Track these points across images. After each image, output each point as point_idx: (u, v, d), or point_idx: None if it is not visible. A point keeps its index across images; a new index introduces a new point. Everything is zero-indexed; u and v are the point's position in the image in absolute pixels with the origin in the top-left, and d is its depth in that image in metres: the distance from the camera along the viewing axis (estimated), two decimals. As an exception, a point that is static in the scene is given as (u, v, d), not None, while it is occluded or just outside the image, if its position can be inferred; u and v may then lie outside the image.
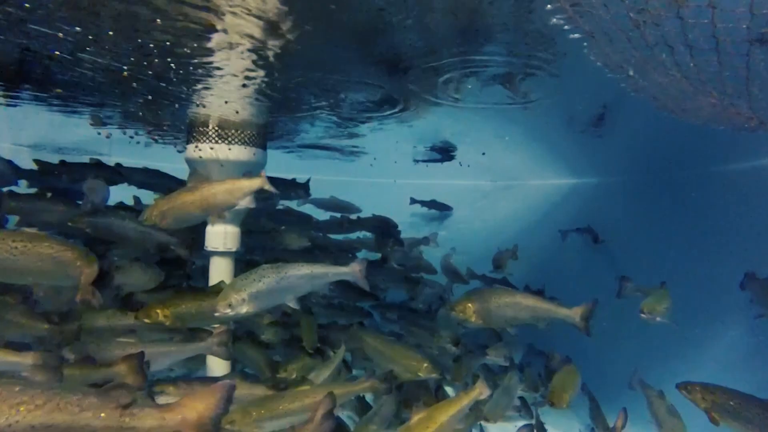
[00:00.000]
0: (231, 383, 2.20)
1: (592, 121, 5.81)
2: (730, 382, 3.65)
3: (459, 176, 9.78)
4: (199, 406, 2.08)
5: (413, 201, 9.77)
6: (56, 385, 1.91)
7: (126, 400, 1.90)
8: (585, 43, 2.98)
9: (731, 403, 3.31)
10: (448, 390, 5.60)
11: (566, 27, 2.88)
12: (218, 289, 3.96)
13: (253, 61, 3.76)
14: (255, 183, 4.08)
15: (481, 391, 3.65)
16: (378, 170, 9.40)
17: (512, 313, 4.28)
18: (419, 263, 7.23)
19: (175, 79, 4.27)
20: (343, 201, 8.33)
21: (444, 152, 8.18)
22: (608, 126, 5.88)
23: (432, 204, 9.95)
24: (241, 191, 4.07)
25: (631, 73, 3.16)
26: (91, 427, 1.82)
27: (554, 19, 2.85)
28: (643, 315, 4.38)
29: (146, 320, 3.75)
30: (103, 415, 1.85)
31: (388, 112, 5.52)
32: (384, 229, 6.95)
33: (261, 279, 3.46)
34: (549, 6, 2.77)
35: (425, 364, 4.40)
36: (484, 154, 8.17)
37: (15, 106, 5.77)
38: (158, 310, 3.75)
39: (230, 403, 2.20)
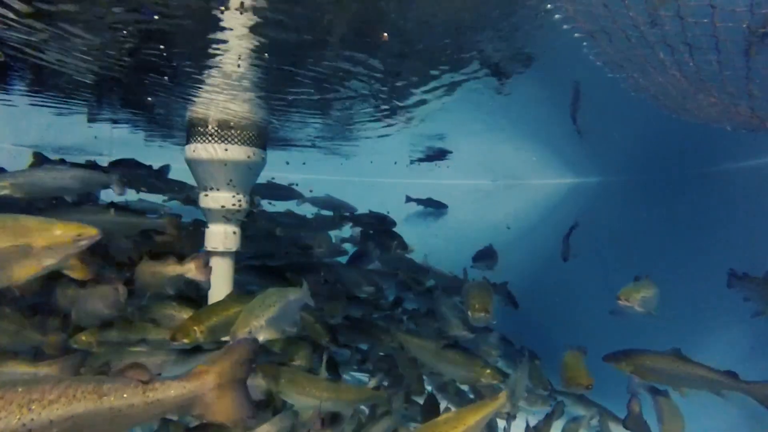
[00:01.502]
0: (251, 340, 2.12)
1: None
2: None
3: (460, 176, 9.79)
4: (218, 368, 2.02)
5: (409, 199, 9.82)
6: (65, 378, 1.81)
7: (144, 377, 1.84)
8: (585, 42, 2.97)
9: (647, 362, 3.84)
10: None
11: (565, 26, 2.87)
12: (234, 297, 3.92)
13: (251, 60, 3.75)
14: (183, 269, 3.89)
15: (503, 402, 3.56)
16: (378, 170, 9.40)
17: None
18: (412, 264, 7.13)
19: (173, 76, 4.26)
20: (338, 200, 8.32)
21: (439, 154, 8.20)
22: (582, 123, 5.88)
23: (427, 202, 10.00)
24: (166, 277, 3.89)
25: (631, 72, 3.16)
26: (116, 409, 1.75)
27: (555, 17, 2.84)
28: (620, 302, 4.23)
29: (185, 340, 3.56)
30: (125, 395, 1.78)
31: (385, 115, 5.51)
32: (381, 227, 6.93)
33: (274, 304, 3.44)
34: (549, 5, 2.77)
35: (488, 371, 4.19)
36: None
37: (12, 105, 5.75)
38: (195, 328, 3.59)
39: (253, 361, 2.12)
